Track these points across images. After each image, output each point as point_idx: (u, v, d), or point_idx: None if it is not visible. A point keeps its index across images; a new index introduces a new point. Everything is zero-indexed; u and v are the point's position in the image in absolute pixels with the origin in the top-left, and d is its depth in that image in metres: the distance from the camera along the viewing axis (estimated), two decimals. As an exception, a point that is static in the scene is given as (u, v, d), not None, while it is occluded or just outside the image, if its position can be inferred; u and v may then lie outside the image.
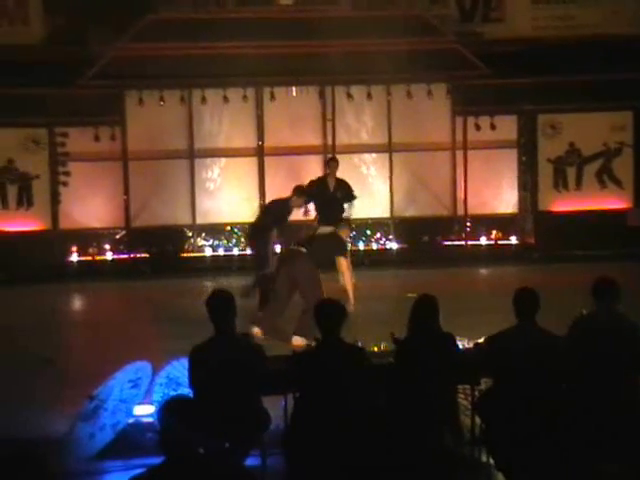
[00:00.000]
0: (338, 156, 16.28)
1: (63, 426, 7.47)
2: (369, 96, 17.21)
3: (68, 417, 7.57)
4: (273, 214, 12.92)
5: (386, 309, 12.59)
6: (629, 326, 7.04)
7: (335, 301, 6.88)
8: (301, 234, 13.34)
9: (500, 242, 17.66)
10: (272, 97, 17.07)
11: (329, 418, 6.43)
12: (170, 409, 4.64)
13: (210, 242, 17.24)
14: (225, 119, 17.29)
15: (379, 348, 8.01)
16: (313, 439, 6.45)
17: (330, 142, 17.30)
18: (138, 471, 4.61)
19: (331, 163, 14.81)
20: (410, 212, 17.43)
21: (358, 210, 16.38)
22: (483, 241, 17.63)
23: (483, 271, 16.94)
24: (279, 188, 14.89)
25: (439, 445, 6.69)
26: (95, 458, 7.50)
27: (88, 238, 16.99)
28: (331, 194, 14.44)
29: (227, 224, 17.10)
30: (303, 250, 11.24)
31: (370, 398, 6.67)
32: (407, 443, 6.58)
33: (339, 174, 15.12)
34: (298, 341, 10.41)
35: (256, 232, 13.03)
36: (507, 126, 17.58)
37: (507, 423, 6.61)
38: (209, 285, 15.55)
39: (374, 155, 17.64)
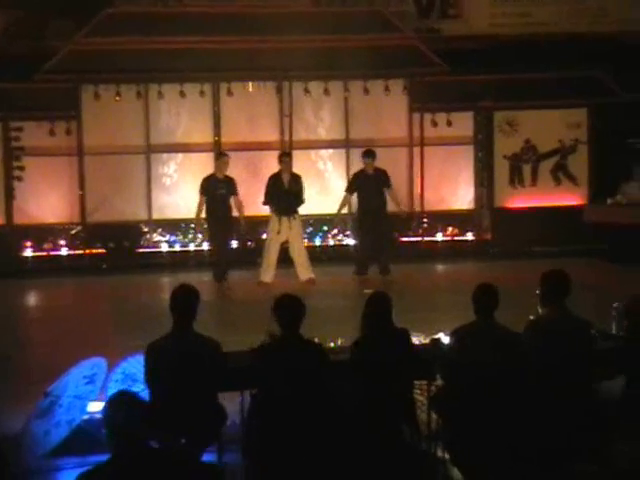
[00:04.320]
0: (295, 152, 16.38)
1: (18, 423, 7.41)
2: (327, 92, 17.22)
3: (23, 414, 7.50)
4: None
5: (343, 305, 12.62)
6: (581, 324, 7.07)
7: (294, 296, 6.87)
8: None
9: (457, 238, 17.75)
10: (229, 92, 17.02)
11: (288, 414, 6.43)
12: (113, 404, 4.65)
13: (166, 237, 17.17)
14: (182, 114, 17.23)
15: (335, 344, 8.01)
16: (272, 435, 6.44)
17: (287, 138, 17.29)
18: (88, 468, 4.60)
19: (284, 158, 14.91)
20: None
21: (316, 206, 16.48)
22: (440, 237, 17.71)
23: (440, 267, 17.02)
24: (237, 183, 14.89)
25: (396, 440, 6.71)
26: (50, 455, 7.44)
27: (43, 233, 16.85)
28: (286, 189, 14.57)
29: (184, 220, 17.02)
30: None
31: (328, 394, 6.67)
32: (365, 439, 6.60)
33: (297, 169, 15.18)
34: None
35: None
36: (464, 123, 17.66)
37: (464, 419, 6.64)
38: (165, 281, 15.53)
39: (331, 151, 17.65)
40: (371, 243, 14.92)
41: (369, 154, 14.98)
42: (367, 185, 14.89)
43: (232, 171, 15.16)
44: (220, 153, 15.46)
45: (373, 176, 14.91)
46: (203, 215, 14.89)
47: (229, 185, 14.71)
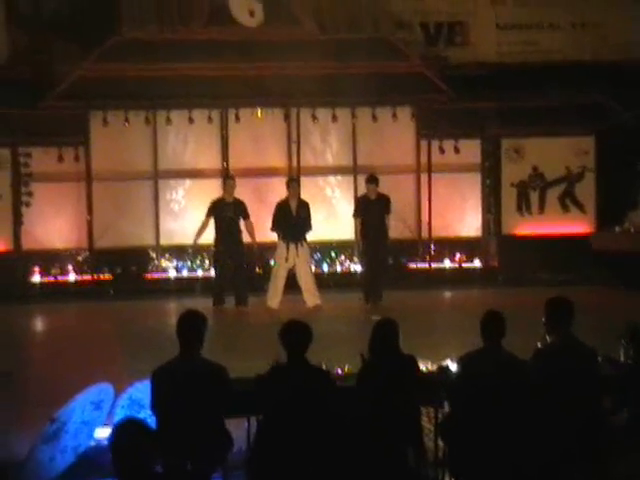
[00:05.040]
0: (303, 178, 16.41)
1: (23, 449, 7.38)
2: (334, 118, 17.29)
3: (28, 439, 7.48)
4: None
5: (350, 331, 12.59)
6: (587, 351, 7.04)
7: (301, 322, 6.85)
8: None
9: (464, 265, 17.74)
10: (237, 119, 17.08)
11: (293, 440, 6.40)
12: (120, 430, 4.64)
13: (174, 263, 17.18)
14: (190, 140, 17.30)
15: (343, 370, 7.99)
16: (278, 462, 6.42)
17: (295, 164, 17.33)
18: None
19: (291, 184, 15.00)
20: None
21: (323, 232, 16.49)
22: (447, 264, 17.70)
23: (447, 294, 17.00)
24: (247, 206, 14.92)
25: (403, 466, 6.68)
26: (55, 481, 7.41)
27: (51, 259, 16.87)
28: (293, 216, 14.60)
29: (191, 245, 17.01)
30: None
31: (334, 420, 6.65)
32: (370, 464, 6.57)
33: (304, 195, 15.20)
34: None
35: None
36: (471, 150, 17.70)
37: (470, 446, 6.61)
38: (173, 306, 15.51)
39: (339, 177, 17.71)
40: (371, 269, 14.97)
41: (372, 180, 14.97)
42: (369, 210, 14.87)
43: (239, 197, 15.19)
44: (227, 176, 15.59)
45: (375, 202, 14.88)
46: (210, 240, 14.94)
47: (238, 208, 14.76)
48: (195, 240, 15.10)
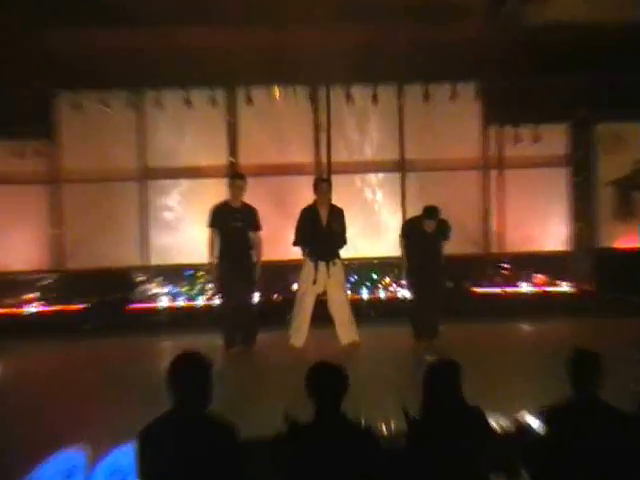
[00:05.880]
0: (335, 177, 16.41)
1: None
2: (375, 99, 17.31)
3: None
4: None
5: (397, 375, 12.58)
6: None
7: (334, 365, 6.84)
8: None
9: (547, 289, 17.70)
10: (248, 100, 17.14)
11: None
12: None
13: (168, 289, 17.25)
14: (187, 129, 17.40)
15: (389, 428, 7.98)
16: None
17: (325, 159, 17.36)
18: None
19: (321, 186, 14.83)
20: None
21: (362, 247, 16.51)
22: (525, 288, 17.67)
23: (525, 327, 16.93)
24: (259, 214, 14.97)
25: None
26: None
27: (8, 285, 16.97)
28: (323, 227, 14.58)
29: (190, 266, 17.09)
30: None
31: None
32: None
33: (337, 200, 15.22)
34: None
35: None
36: (556, 138, 17.70)
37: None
38: (166, 345, 15.54)
39: (382, 176, 17.73)
40: (422, 297, 14.88)
41: (432, 216, 14.51)
42: (424, 242, 14.68)
43: (253, 201, 15.22)
44: (234, 175, 15.28)
45: (432, 234, 14.64)
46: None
47: (248, 216, 14.63)
48: (210, 260, 14.63)
